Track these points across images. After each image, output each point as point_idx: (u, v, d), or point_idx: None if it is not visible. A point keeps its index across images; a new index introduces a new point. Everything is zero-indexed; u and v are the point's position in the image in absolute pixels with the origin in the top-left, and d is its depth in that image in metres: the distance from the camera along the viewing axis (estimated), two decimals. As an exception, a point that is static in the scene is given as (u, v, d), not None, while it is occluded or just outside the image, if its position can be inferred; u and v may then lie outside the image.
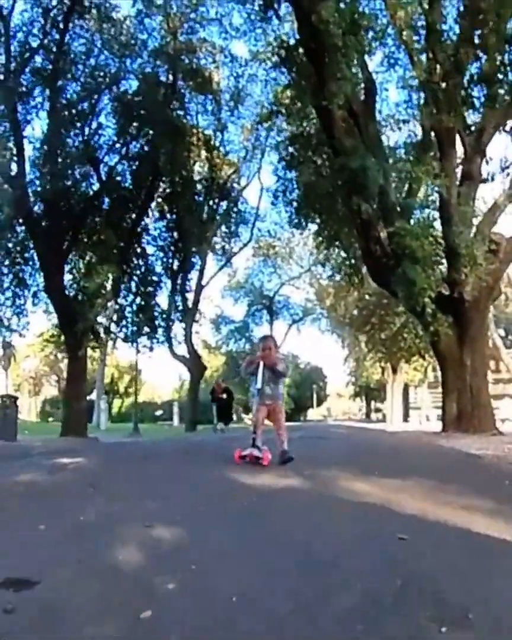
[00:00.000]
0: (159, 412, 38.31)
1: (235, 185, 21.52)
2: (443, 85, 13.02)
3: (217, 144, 19.69)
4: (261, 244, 26.86)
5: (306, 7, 10.70)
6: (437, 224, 12.63)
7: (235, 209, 19.50)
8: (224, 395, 17.45)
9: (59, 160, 14.87)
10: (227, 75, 20.47)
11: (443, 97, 12.88)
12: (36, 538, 2.51)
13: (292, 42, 13.98)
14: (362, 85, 13.14)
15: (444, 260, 12.06)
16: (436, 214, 12.66)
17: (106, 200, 15.82)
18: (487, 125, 12.56)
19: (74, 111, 16.04)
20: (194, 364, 21.99)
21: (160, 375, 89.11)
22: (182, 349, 21.52)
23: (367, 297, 20.15)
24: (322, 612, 1.65)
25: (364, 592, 1.84)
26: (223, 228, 19.97)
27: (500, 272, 12.61)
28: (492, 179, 12.45)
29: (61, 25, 15.70)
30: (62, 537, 2.54)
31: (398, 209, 12.02)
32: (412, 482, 3.60)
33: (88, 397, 35.73)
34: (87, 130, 16.29)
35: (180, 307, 18.26)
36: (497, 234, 12.53)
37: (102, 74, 17.19)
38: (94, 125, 16.75)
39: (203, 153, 18.57)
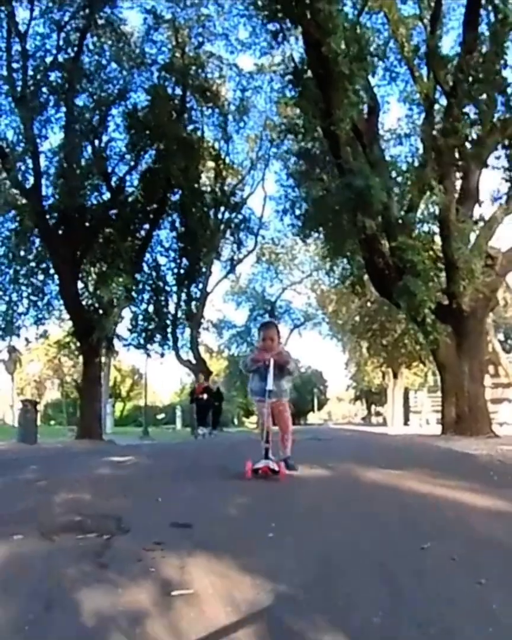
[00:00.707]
0: (160, 416, 39.16)
1: (238, 192, 22.51)
2: (443, 101, 14.07)
3: (223, 154, 20.63)
4: (264, 250, 27.81)
5: (315, 36, 11.66)
6: (438, 237, 13.62)
7: (241, 218, 20.43)
8: (205, 396, 16.60)
9: (74, 173, 15.77)
10: (233, 87, 21.47)
11: (443, 115, 13.93)
12: (164, 505, 3.36)
13: (297, 55, 15.07)
14: (366, 103, 14.12)
15: (443, 273, 13.02)
16: (436, 228, 13.64)
17: (118, 211, 16.73)
18: (486, 142, 13.50)
19: (85, 124, 16.97)
20: (200, 368, 22.89)
21: (160, 379, 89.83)
22: (184, 353, 22.43)
23: (368, 304, 21.10)
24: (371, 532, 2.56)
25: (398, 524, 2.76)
26: (229, 236, 20.90)
27: (496, 284, 13.57)
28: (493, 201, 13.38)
29: (76, 42, 16.65)
30: (182, 504, 3.41)
31: (400, 223, 12.98)
32: (410, 472, 4.54)
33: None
34: (97, 142, 17.25)
35: (188, 314, 19.13)
36: (494, 248, 13.50)
37: (110, 86, 18.16)
38: (105, 138, 17.75)
39: (210, 164, 19.54)
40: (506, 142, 13.82)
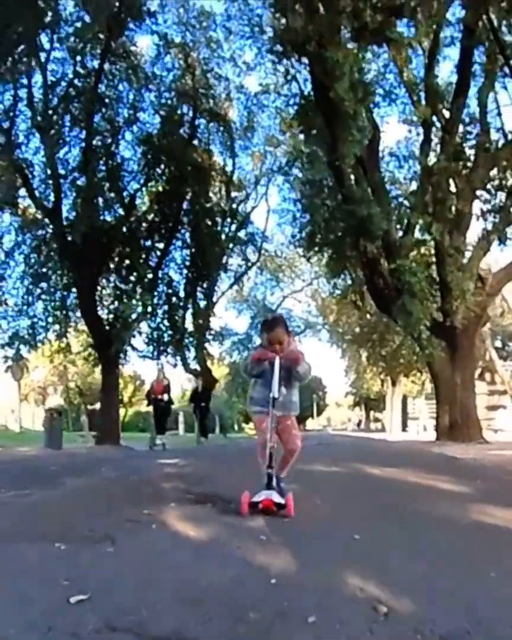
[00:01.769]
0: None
1: (243, 204, 24.00)
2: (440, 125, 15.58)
3: (230, 171, 22.14)
4: (266, 261, 29.27)
5: (322, 79, 13.19)
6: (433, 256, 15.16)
7: (247, 235, 21.94)
8: (165, 397, 13.97)
9: (93, 193, 17.23)
10: (239, 107, 22.98)
11: (439, 144, 15.48)
12: (230, 488, 4.70)
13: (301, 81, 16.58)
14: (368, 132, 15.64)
15: (438, 292, 14.55)
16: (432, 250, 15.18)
17: (132, 228, 18.21)
18: (480, 167, 15.00)
19: (100, 144, 18.43)
20: (205, 376, 24.36)
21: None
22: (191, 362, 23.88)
23: (368, 316, 22.62)
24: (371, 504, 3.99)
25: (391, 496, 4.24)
26: (235, 249, 22.39)
27: (487, 303, 15.11)
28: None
29: (93, 69, 18.10)
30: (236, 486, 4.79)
31: (399, 245, 14.51)
32: (405, 470, 6.02)
33: (97, 407, 37.95)
34: (111, 161, 18.69)
35: (196, 326, 20.59)
36: (485, 270, 15.05)
37: (122, 105, 19.66)
38: (119, 158, 19.23)
39: (219, 181, 21.06)
40: (497, 171, 15.42)
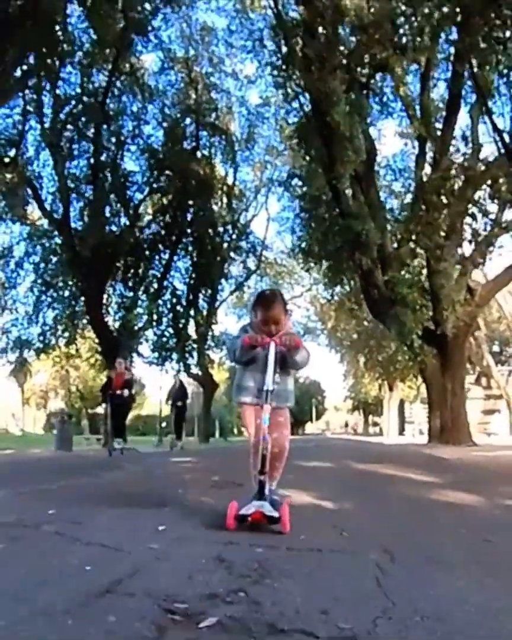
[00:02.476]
0: (164, 425, 41.58)
1: (243, 214, 25.06)
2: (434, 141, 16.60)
3: (231, 181, 23.21)
4: (267, 268, 30.32)
5: (319, 103, 14.27)
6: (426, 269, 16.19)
7: (248, 246, 23.01)
8: (125, 392, 11.59)
9: (101, 206, 18.29)
10: (240, 119, 24.05)
11: (432, 162, 16.50)
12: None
13: (300, 94, 17.65)
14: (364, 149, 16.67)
15: (430, 303, 15.59)
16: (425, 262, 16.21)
17: (137, 239, 19.27)
18: (471, 182, 16.02)
19: (107, 156, 19.47)
20: (207, 381, 25.41)
21: (156, 388, 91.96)
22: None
23: (365, 323, 23.67)
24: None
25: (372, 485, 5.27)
26: (236, 258, 23.46)
27: (476, 312, 16.16)
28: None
29: (101, 86, 19.16)
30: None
31: (393, 257, 15.56)
32: (388, 465, 7.04)
33: (99, 411, 38.98)
34: (116, 172, 19.71)
35: (198, 332, 21.65)
36: (474, 281, 16.12)
37: (126, 118, 20.72)
38: (123, 170, 20.25)
39: (221, 191, 22.13)
40: (487, 187, 16.46)
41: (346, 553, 2.42)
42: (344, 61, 13.21)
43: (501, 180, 14.84)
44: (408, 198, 18.50)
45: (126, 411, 13.17)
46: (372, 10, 14.00)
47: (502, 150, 13.97)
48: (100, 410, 43.19)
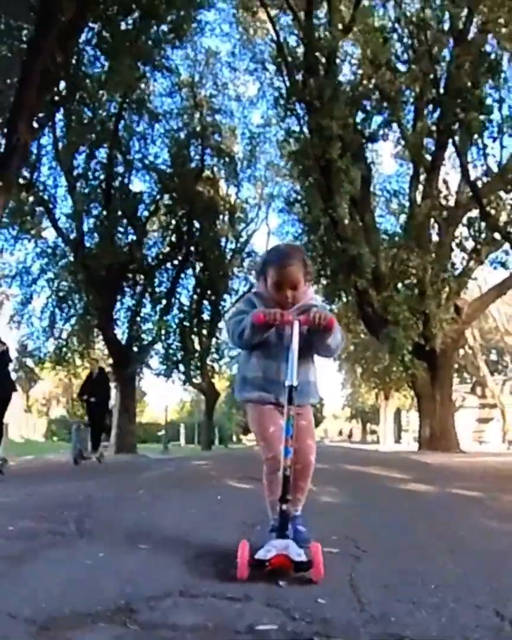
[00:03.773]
0: (161, 433, 43.28)
1: (245, 229, 26.82)
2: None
3: (234, 199, 24.96)
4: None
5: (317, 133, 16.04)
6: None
7: (250, 260, 24.74)
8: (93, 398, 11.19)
9: (111, 228, 19.96)
10: (242, 138, 25.79)
11: (425, 183, 18.22)
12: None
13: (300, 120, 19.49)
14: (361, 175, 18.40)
15: (420, 319, 17.31)
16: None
17: (144, 256, 20.97)
18: (460, 208, 17.78)
19: (118, 184, 21.17)
20: (209, 390, 27.15)
21: (156, 396, 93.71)
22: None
23: (362, 335, 25.29)
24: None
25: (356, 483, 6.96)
26: (239, 274, 25.24)
27: (463, 328, 17.92)
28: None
29: (112, 115, 20.86)
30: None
31: (386, 278, 17.30)
32: (377, 467, 8.72)
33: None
34: (123, 189, 21.34)
35: (203, 345, 23.40)
36: (462, 299, 17.85)
37: (134, 139, 22.42)
38: (132, 188, 21.96)
39: (224, 208, 23.89)
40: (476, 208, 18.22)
41: (320, 513, 4.09)
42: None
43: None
44: (403, 218, 20.21)
45: (103, 415, 12.36)
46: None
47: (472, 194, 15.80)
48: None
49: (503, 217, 16.08)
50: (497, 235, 16.05)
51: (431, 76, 15.37)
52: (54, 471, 10.45)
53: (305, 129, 17.24)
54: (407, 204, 19.26)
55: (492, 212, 15.86)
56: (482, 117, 14.33)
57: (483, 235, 16.37)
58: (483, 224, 16.27)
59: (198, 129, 22.55)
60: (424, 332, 16.87)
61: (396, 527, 3.45)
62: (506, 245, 15.96)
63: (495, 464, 11.72)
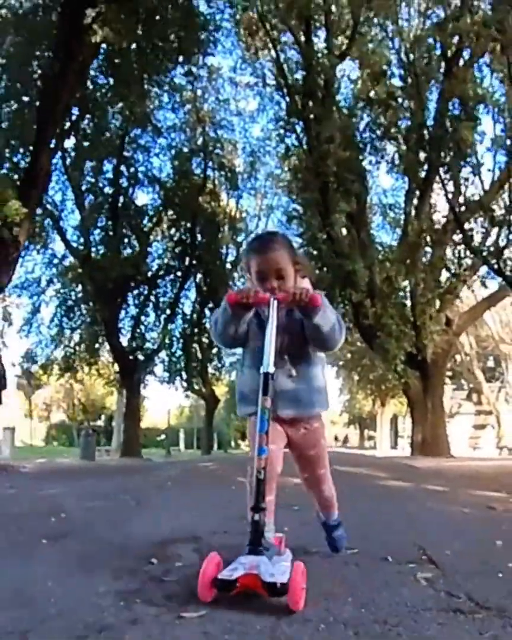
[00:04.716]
0: (160, 438, 44.52)
1: (246, 240, 28.11)
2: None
3: (234, 211, 26.24)
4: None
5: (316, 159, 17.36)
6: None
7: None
8: None
9: (116, 242, 21.21)
10: (243, 151, 27.08)
11: (417, 203, 19.51)
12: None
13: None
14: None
15: (412, 331, 18.61)
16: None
17: (152, 271, 22.27)
18: (450, 226, 19.07)
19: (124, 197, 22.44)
20: (209, 396, 28.45)
21: (154, 401, 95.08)
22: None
23: (359, 344, 26.59)
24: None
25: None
26: (239, 283, 26.54)
27: (454, 339, 19.23)
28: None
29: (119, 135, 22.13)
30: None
31: (380, 291, 18.60)
32: (367, 469, 10.00)
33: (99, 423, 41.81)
34: (127, 200, 22.57)
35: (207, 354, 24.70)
36: (453, 311, 19.17)
37: (137, 152, 23.70)
38: (136, 201, 23.25)
39: (225, 220, 25.18)
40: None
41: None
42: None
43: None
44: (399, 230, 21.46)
45: None
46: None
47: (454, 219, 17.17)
48: (100, 422, 46.14)
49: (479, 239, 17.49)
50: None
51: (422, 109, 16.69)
52: (82, 471, 11.60)
53: (304, 145, 18.55)
54: (402, 217, 20.59)
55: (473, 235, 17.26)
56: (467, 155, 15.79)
57: (467, 260, 17.64)
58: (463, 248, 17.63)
59: (200, 142, 23.84)
60: (416, 342, 18.17)
61: (366, 506, 4.72)
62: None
63: (477, 468, 12.96)
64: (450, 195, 16.91)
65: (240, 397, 2.42)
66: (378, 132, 17.62)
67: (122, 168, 22.24)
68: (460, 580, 2.16)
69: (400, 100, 17.35)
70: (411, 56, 17.10)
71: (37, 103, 12.70)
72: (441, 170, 16.75)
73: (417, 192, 18.74)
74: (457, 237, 17.77)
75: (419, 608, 1.81)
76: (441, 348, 18.18)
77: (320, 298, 2.19)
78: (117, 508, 4.21)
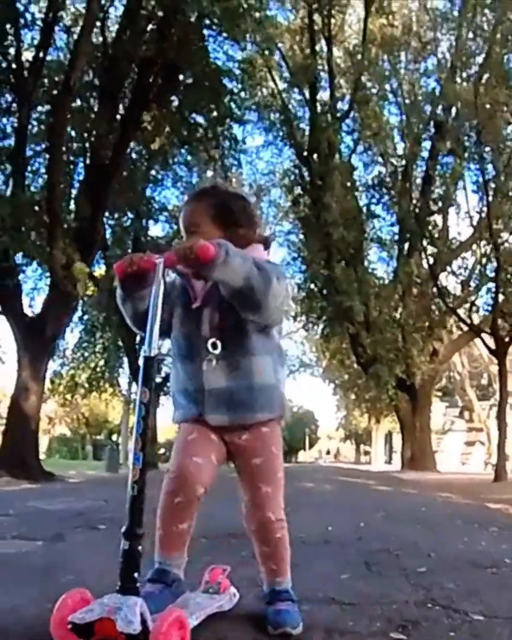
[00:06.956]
0: (161, 451, 47.59)
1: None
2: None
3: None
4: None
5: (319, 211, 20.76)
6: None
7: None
8: None
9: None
10: (249, 184, 30.39)
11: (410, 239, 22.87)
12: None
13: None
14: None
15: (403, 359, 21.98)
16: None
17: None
18: (442, 259, 22.45)
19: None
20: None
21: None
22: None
23: (355, 365, 29.79)
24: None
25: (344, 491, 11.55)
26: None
27: (439, 369, 22.65)
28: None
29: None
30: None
31: (375, 323, 21.99)
32: (362, 480, 13.28)
33: (112, 438, 44.85)
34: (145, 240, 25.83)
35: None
36: (438, 341, 22.57)
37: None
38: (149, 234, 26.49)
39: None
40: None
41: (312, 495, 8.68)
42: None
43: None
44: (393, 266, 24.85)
45: None
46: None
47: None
48: (100, 437, 49.06)
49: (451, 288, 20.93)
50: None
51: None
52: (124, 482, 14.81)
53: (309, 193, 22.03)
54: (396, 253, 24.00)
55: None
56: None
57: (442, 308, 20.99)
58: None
59: (211, 184, 27.02)
60: (406, 369, 21.53)
61: (348, 500, 8.02)
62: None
63: (453, 480, 16.31)
64: (430, 260, 20.28)
65: (173, 400, 2.03)
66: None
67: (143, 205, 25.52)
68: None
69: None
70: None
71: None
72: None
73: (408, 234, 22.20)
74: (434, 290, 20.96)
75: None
76: (428, 375, 21.57)
77: (213, 247, 1.64)
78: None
